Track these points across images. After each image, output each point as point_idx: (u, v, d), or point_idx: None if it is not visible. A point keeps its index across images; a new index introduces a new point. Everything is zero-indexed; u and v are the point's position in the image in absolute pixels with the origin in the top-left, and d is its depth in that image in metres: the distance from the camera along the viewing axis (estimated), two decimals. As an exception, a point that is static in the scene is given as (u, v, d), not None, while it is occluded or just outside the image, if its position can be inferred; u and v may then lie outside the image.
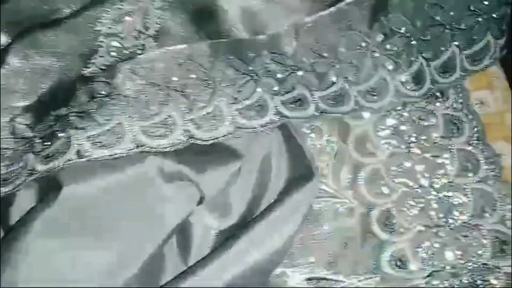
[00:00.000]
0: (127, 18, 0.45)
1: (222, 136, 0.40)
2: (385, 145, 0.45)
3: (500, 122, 0.47)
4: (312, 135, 0.45)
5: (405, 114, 0.46)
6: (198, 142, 0.40)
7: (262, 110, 0.41)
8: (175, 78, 0.41)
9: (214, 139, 0.40)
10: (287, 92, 0.42)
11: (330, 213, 0.43)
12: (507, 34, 0.47)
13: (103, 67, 0.44)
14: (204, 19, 0.46)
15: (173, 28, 0.46)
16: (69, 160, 0.37)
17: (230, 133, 0.40)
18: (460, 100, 0.46)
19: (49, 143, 0.38)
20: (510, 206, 0.43)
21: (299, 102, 0.43)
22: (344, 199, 0.44)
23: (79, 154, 0.38)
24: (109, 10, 0.45)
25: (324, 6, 0.45)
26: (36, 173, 0.38)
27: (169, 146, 0.39)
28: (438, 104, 0.46)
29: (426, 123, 0.45)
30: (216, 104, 0.41)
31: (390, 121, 0.45)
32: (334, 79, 0.43)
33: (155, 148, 0.39)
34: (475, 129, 0.45)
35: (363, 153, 0.45)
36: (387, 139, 0.45)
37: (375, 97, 0.44)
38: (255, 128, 0.41)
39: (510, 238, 0.42)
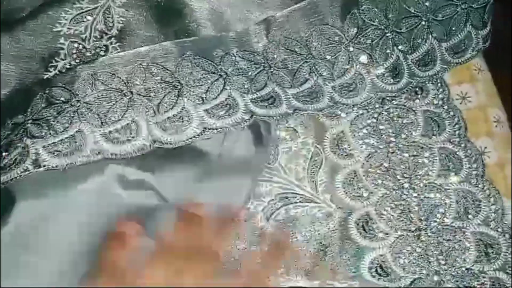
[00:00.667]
0: (88, 17, 0.43)
1: (190, 138, 0.39)
2: (362, 146, 0.43)
3: (483, 118, 0.44)
4: (287, 137, 0.43)
5: (383, 112, 0.43)
6: (165, 146, 0.38)
7: (232, 109, 0.40)
8: (138, 82, 0.39)
9: (181, 141, 0.38)
10: (258, 90, 0.41)
11: (307, 218, 0.41)
12: (490, 24, 0.44)
13: (64, 71, 0.41)
14: (170, 17, 0.44)
15: (137, 27, 0.44)
16: (26, 170, 0.36)
17: (198, 135, 0.39)
18: (441, 96, 0.44)
19: (7, 153, 0.37)
20: (494, 207, 0.41)
21: (271, 99, 0.41)
22: (322, 203, 0.41)
23: (36, 163, 0.36)
24: (68, 9, 0.43)
25: (296, 0, 0.43)
26: None
27: (134, 152, 0.38)
28: (417, 100, 0.44)
29: (405, 121, 0.43)
30: (183, 106, 0.39)
31: (367, 120, 0.43)
32: (307, 75, 0.42)
33: (118, 155, 0.38)
34: (457, 126, 0.43)
35: (340, 154, 0.43)
36: (364, 139, 0.43)
37: (351, 93, 0.42)
38: (224, 127, 0.39)
39: (494, 241, 0.40)
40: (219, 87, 0.40)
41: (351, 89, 0.42)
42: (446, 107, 0.43)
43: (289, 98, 0.41)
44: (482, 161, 0.42)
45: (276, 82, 0.41)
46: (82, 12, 0.43)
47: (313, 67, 0.42)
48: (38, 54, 0.41)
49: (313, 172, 0.42)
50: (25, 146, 0.36)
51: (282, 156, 0.42)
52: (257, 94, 0.41)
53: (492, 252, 0.40)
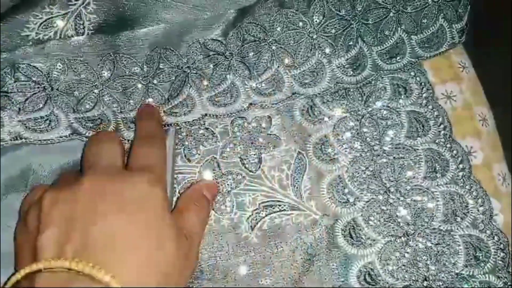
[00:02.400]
0: (58, 22, 0.41)
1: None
2: (346, 150, 0.41)
3: (469, 117, 0.43)
4: (270, 144, 0.42)
5: (366, 114, 0.42)
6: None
7: (189, 108, 0.41)
8: (106, 74, 0.40)
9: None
10: (216, 86, 0.41)
11: (292, 227, 0.40)
12: (468, 18, 0.43)
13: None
14: (139, 21, 0.42)
15: (108, 31, 0.43)
16: (3, 140, 0.39)
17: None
18: (425, 95, 0.43)
19: None
20: (482, 208, 0.39)
21: (228, 95, 0.41)
22: (307, 211, 0.40)
23: (10, 135, 0.39)
24: (38, 14, 0.41)
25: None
26: None
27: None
28: (401, 101, 0.42)
29: (389, 123, 0.42)
30: (149, 102, 0.40)
31: (350, 123, 0.42)
32: (268, 63, 0.41)
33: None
34: (441, 126, 0.42)
35: (324, 159, 0.41)
36: (348, 143, 0.41)
37: (311, 82, 0.41)
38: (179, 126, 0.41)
39: (483, 244, 0.39)
40: (181, 85, 0.40)
41: (311, 78, 0.42)
42: (430, 107, 0.42)
43: (248, 91, 0.41)
44: (469, 162, 0.41)
45: (236, 73, 0.41)
46: (52, 17, 0.41)
47: (275, 54, 0.41)
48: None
49: (297, 179, 0.41)
50: None
51: (265, 164, 0.41)
52: (214, 91, 0.41)
53: (482, 256, 0.38)
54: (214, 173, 0.41)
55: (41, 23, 0.41)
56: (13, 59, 0.39)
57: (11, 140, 0.39)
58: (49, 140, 0.40)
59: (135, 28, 0.41)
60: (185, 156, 0.41)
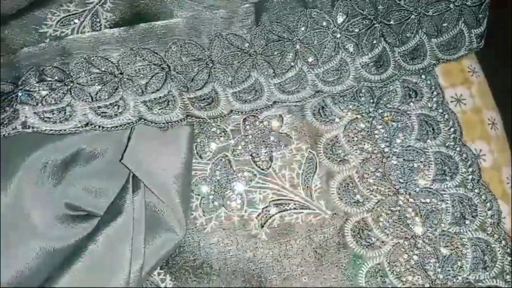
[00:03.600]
0: (75, 20, 0.42)
1: (173, 122, 0.39)
2: (357, 151, 0.41)
3: (478, 120, 0.43)
4: (281, 143, 0.42)
5: (377, 116, 0.42)
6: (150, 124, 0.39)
7: (213, 102, 0.40)
8: (128, 65, 0.39)
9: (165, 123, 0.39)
10: (241, 82, 0.40)
11: (302, 225, 0.40)
12: (487, 24, 0.44)
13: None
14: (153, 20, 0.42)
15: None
16: (14, 129, 0.37)
17: (180, 120, 0.39)
18: (435, 99, 0.43)
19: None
20: (490, 212, 0.40)
21: (253, 92, 0.41)
22: (317, 210, 0.40)
23: (24, 124, 0.37)
24: (55, 11, 0.42)
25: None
26: None
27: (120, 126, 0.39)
28: (411, 104, 0.43)
29: (399, 125, 0.42)
30: (169, 90, 0.40)
31: (361, 125, 0.42)
32: (292, 62, 0.41)
33: (104, 127, 0.38)
34: (452, 129, 0.42)
35: (335, 160, 0.41)
36: (358, 144, 0.42)
37: (335, 81, 0.41)
38: (203, 118, 0.40)
39: (491, 247, 0.39)
40: (204, 79, 0.40)
41: (335, 77, 0.42)
42: (440, 110, 0.42)
43: (272, 88, 0.41)
44: (478, 165, 0.41)
45: (260, 71, 0.41)
46: (70, 15, 0.42)
47: (299, 53, 0.41)
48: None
49: (307, 178, 0.41)
50: (15, 110, 0.37)
51: (276, 162, 0.41)
52: (239, 87, 0.40)
53: (488, 260, 0.39)
54: (225, 170, 0.41)
55: (59, 20, 0.42)
56: (37, 61, 0.39)
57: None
58: (63, 130, 0.39)
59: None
60: (197, 153, 0.41)
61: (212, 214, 0.40)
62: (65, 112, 0.38)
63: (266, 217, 0.40)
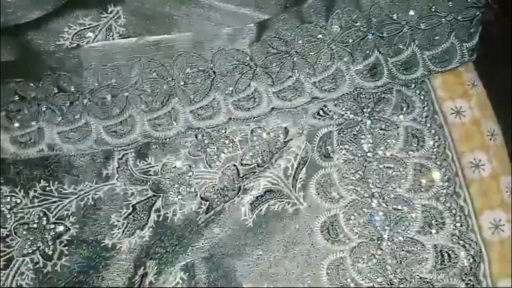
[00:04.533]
0: (90, 34, 0.44)
1: (173, 135, 0.43)
2: (342, 151, 0.43)
3: (477, 131, 0.44)
4: (280, 134, 0.44)
5: (367, 122, 0.44)
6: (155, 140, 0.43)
7: (214, 111, 0.43)
8: (135, 78, 0.42)
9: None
10: (241, 91, 0.43)
11: (278, 214, 0.43)
12: (479, 38, 0.44)
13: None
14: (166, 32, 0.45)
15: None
16: (41, 151, 0.41)
17: (182, 132, 0.43)
18: (425, 114, 0.44)
19: (19, 125, 0.42)
20: (459, 225, 0.41)
21: (252, 100, 0.43)
22: (295, 200, 0.43)
23: (50, 147, 0.41)
24: (72, 25, 0.44)
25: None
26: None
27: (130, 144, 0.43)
28: (401, 116, 0.44)
29: (386, 134, 0.43)
30: (173, 105, 0.43)
31: (353, 127, 0.44)
32: (289, 72, 0.43)
33: (114, 146, 0.42)
34: (436, 144, 0.43)
35: (322, 155, 0.44)
36: (345, 144, 0.44)
37: (331, 88, 0.43)
38: (204, 129, 0.43)
39: (453, 252, 0.41)
40: (206, 89, 0.42)
41: (331, 84, 0.43)
42: (429, 125, 0.43)
43: (270, 96, 0.43)
44: (455, 182, 0.42)
45: (259, 81, 0.43)
46: (85, 29, 0.44)
47: (296, 64, 0.43)
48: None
49: (298, 170, 0.44)
50: (40, 128, 0.41)
51: (275, 156, 0.44)
52: (239, 96, 0.43)
53: (449, 261, 0.41)
54: (233, 179, 0.44)
55: (75, 33, 0.44)
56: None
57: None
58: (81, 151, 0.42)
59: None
60: (206, 162, 0.44)
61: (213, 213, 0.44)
62: (81, 131, 0.42)
63: (257, 204, 0.43)
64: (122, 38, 0.44)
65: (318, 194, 0.43)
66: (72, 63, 0.41)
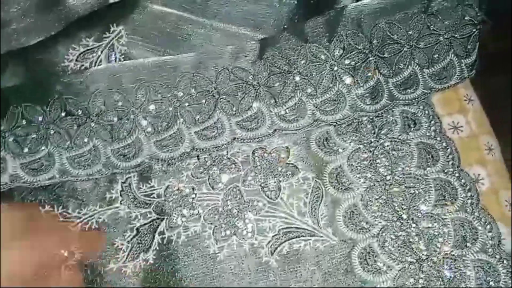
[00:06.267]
0: (93, 54, 0.45)
1: (178, 156, 0.43)
2: (360, 179, 0.43)
3: (475, 146, 0.45)
4: (288, 173, 0.44)
5: (379, 146, 0.44)
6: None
7: (218, 132, 0.44)
8: (141, 99, 0.43)
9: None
10: (244, 111, 0.43)
11: (310, 252, 0.42)
12: (477, 54, 0.46)
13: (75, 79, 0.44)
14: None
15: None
16: (52, 178, 0.42)
17: (188, 153, 0.43)
18: (433, 128, 0.45)
19: (28, 150, 0.42)
20: (490, 234, 0.41)
21: (255, 120, 0.43)
22: (324, 237, 0.42)
23: (61, 172, 0.42)
24: (76, 46, 0.45)
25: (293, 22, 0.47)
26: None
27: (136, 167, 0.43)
28: (411, 133, 0.44)
29: (400, 154, 0.44)
30: (179, 127, 0.43)
31: (364, 155, 0.44)
32: (291, 93, 0.43)
33: (125, 170, 0.43)
34: (450, 156, 0.44)
35: (340, 188, 0.43)
36: (362, 173, 0.43)
37: (332, 110, 0.44)
38: (210, 149, 0.44)
39: (493, 268, 0.40)
40: (211, 109, 0.43)
41: (332, 107, 0.44)
42: (438, 138, 0.44)
43: (273, 117, 0.43)
44: (476, 190, 0.42)
45: (262, 101, 0.43)
46: (88, 49, 0.45)
47: (298, 84, 0.43)
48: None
49: (314, 207, 0.43)
50: (50, 153, 0.41)
51: (284, 192, 0.43)
52: (242, 116, 0.43)
53: (491, 280, 0.40)
54: (236, 200, 0.44)
55: (79, 54, 0.45)
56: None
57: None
58: (90, 175, 0.43)
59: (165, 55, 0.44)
60: (209, 184, 0.44)
61: (224, 243, 0.42)
62: (90, 155, 0.42)
63: (275, 244, 0.42)
64: (125, 58, 0.45)
65: (347, 226, 0.43)
66: (78, 87, 0.42)
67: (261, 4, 0.47)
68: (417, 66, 0.45)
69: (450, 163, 0.44)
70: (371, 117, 0.45)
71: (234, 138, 0.43)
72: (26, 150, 0.41)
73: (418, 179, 0.43)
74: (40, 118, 0.41)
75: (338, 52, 0.44)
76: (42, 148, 0.41)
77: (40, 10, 0.45)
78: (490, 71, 0.51)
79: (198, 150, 0.43)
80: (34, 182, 0.41)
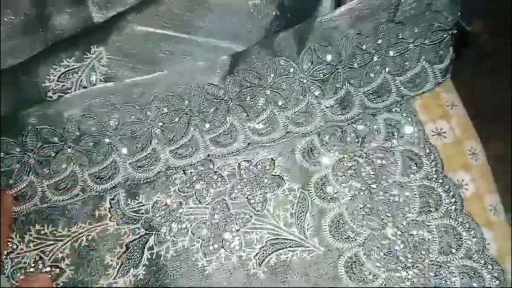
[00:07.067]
0: (74, 74, 0.45)
1: (153, 176, 0.44)
2: (345, 188, 0.43)
3: (459, 152, 0.45)
4: (274, 184, 0.45)
5: (363, 155, 0.44)
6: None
7: (192, 149, 0.44)
8: (113, 123, 0.43)
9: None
10: (217, 127, 0.44)
11: (298, 262, 0.42)
12: (450, 58, 0.46)
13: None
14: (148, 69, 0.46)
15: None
16: (35, 205, 0.43)
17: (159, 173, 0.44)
18: (416, 135, 0.45)
19: (13, 181, 0.43)
20: (475, 239, 0.41)
21: (229, 135, 0.44)
22: (311, 247, 0.42)
23: (42, 199, 0.43)
24: (57, 67, 0.45)
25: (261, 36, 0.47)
26: None
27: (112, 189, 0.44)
28: (394, 141, 0.45)
29: (384, 162, 0.44)
30: (153, 147, 0.44)
31: (348, 164, 0.44)
32: (263, 106, 0.44)
33: (99, 192, 0.44)
34: (433, 162, 0.44)
35: (325, 198, 0.43)
36: (347, 182, 0.44)
37: (303, 122, 0.44)
38: (184, 167, 0.44)
39: (478, 273, 0.40)
40: (184, 128, 0.43)
41: (304, 118, 0.44)
42: (422, 145, 0.44)
43: (246, 131, 0.44)
44: (460, 195, 0.43)
45: (235, 116, 0.44)
46: (69, 70, 0.45)
47: (269, 97, 0.44)
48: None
49: (300, 217, 0.43)
50: (32, 182, 0.42)
51: (270, 203, 0.43)
52: (216, 132, 0.44)
53: (477, 285, 0.40)
54: (223, 213, 0.44)
55: (60, 75, 0.45)
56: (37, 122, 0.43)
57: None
58: (67, 201, 0.43)
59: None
60: (196, 198, 0.44)
61: (212, 256, 0.43)
62: (68, 181, 0.43)
63: (263, 256, 0.42)
64: (106, 79, 0.45)
65: (333, 236, 0.43)
66: (53, 116, 0.42)
67: (241, 16, 0.47)
68: (389, 75, 0.45)
69: (434, 169, 0.44)
70: (354, 127, 0.45)
71: (209, 155, 0.44)
72: (11, 181, 0.42)
73: (402, 186, 0.44)
74: (18, 149, 0.42)
75: (307, 65, 0.44)
76: (25, 177, 0.42)
77: (26, 31, 0.45)
78: (476, 72, 0.52)
79: (173, 169, 0.44)
80: (20, 212, 0.43)
